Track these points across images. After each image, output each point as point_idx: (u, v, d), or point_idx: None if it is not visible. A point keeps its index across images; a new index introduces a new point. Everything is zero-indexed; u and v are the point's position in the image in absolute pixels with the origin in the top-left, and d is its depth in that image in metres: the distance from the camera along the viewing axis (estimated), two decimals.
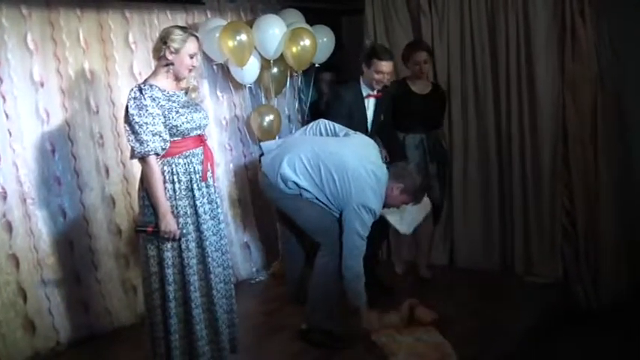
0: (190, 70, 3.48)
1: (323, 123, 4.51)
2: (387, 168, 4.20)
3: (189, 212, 3.46)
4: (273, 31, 5.24)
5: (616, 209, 4.58)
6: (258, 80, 5.58)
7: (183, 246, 3.44)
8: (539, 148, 4.98)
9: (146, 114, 3.28)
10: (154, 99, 3.32)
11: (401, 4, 5.62)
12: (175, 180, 3.41)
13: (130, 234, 4.72)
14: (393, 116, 5.00)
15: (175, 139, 3.40)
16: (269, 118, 5.53)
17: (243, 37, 5.06)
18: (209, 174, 3.57)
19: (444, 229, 5.58)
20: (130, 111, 3.30)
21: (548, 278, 5.00)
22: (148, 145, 3.28)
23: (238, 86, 5.61)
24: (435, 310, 4.34)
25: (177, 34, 3.40)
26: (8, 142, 4.14)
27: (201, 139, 3.57)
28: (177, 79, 3.50)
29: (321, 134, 4.47)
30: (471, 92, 5.31)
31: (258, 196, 5.74)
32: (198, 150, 3.53)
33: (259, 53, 5.34)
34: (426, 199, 4.59)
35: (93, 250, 4.59)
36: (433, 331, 4.15)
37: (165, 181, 3.39)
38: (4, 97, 4.12)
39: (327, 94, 6.20)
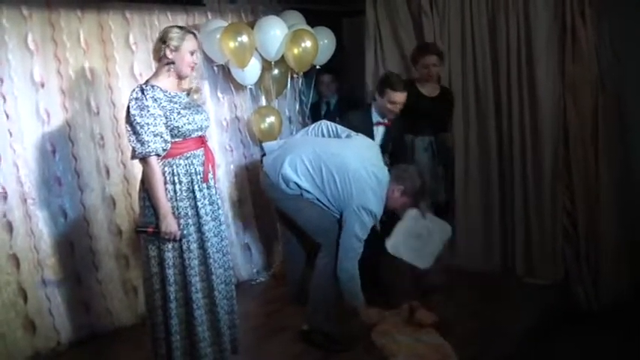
0: (192, 68, 3.49)
1: (325, 124, 4.52)
2: (389, 170, 4.20)
3: (190, 213, 3.47)
4: (274, 32, 5.24)
5: (617, 210, 4.58)
6: (259, 82, 5.57)
7: (185, 247, 3.44)
8: (540, 149, 4.97)
9: (147, 114, 3.28)
10: (155, 99, 3.33)
11: (402, 5, 5.60)
12: (176, 181, 3.42)
13: (131, 235, 4.73)
14: (402, 118, 4.93)
15: (176, 140, 3.41)
16: (270, 119, 5.53)
17: (244, 38, 5.06)
18: (210, 175, 3.57)
19: None
20: (132, 111, 3.30)
21: (548, 279, 4.98)
22: (149, 146, 3.28)
23: (239, 87, 5.61)
24: (436, 311, 4.32)
25: (176, 32, 3.42)
26: (9, 142, 4.16)
27: (202, 141, 3.58)
28: (180, 78, 3.50)
29: (323, 135, 4.48)
30: (471, 93, 5.31)
31: (258, 197, 5.75)
32: (199, 151, 3.53)
33: (260, 55, 5.34)
34: (446, 225, 4.63)
35: (93, 250, 4.60)
36: (433, 333, 4.13)
37: (165, 182, 3.40)
38: (4, 98, 4.14)
39: (326, 96, 6.21)
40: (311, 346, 4.19)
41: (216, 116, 5.48)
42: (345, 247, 4.01)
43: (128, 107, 3.34)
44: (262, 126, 5.51)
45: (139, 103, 3.30)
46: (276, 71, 5.60)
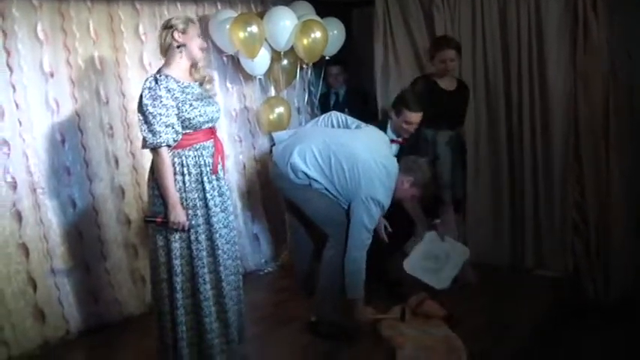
0: (202, 50, 3.49)
1: (335, 115, 4.52)
2: (398, 161, 4.19)
3: (198, 205, 3.47)
4: (284, 23, 5.23)
5: (627, 204, 4.55)
6: (269, 72, 5.57)
7: (193, 237, 3.44)
8: (550, 142, 4.95)
9: (160, 105, 3.28)
10: (169, 90, 3.32)
11: None
12: (185, 172, 3.42)
13: (139, 224, 4.74)
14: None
15: (187, 131, 3.40)
16: (279, 110, 5.52)
17: (254, 28, 5.05)
18: (219, 167, 3.57)
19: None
20: (144, 101, 3.30)
21: (558, 272, 4.98)
22: (160, 136, 3.28)
23: (248, 78, 5.61)
24: (445, 304, 4.34)
25: (178, 18, 3.45)
26: (18, 131, 4.17)
27: (211, 132, 3.57)
28: (192, 63, 3.50)
29: (332, 126, 4.48)
30: (481, 85, 5.28)
31: (267, 188, 5.76)
32: (209, 143, 3.53)
33: (270, 45, 5.33)
34: (464, 248, 4.63)
35: (102, 240, 4.62)
36: (441, 325, 4.14)
37: (175, 173, 3.39)
38: (14, 87, 4.15)
39: (334, 87, 6.19)
40: (319, 338, 4.19)
41: (226, 106, 5.48)
42: (353, 237, 4.01)
43: (141, 96, 3.33)
44: (271, 116, 5.51)
45: (152, 93, 3.29)
46: (285, 62, 5.59)
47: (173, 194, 3.36)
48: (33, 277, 4.22)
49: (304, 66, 5.64)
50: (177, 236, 3.42)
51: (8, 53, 4.11)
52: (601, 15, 4.45)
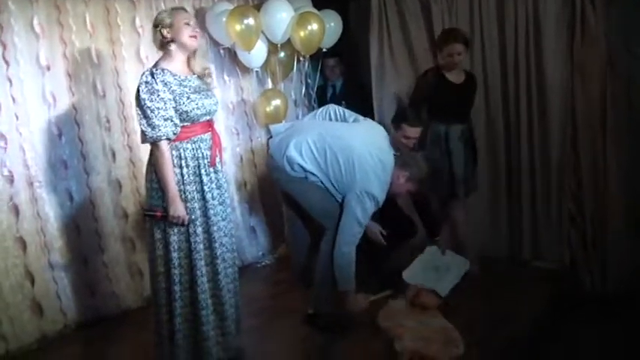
0: (194, 37, 3.47)
1: (333, 108, 4.52)
2: (395, 156, 4.18)
3: (196, 197, 3.48)
4: (281, 15, 5.22)
5: (624, 196, 4.56)
6: (265, 64, 5.56)
7: (191, 230, 3.45)
8: (548, 134, 4.94)
9: (157, 99, 3.29)
10: (165, 83, 3.33)
11: None
12: (183, 165, 3.42)
13: (137, 218, 4.75)
14: (433, 108, 4.80)
15: (185, 124, 3.41)
16: (275, 102, 5.53)
17: (251, 21, 5.05)
18: (217, 159, 3.58)
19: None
20: (142, 95, 3.30)
21: (555, 264, 4.99)
22: (159, 130, 3.29)
23: (245, 70, 5.60)
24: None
25: (163, 13, 3.48)
26: (15, 125, 4.16)
27: (209, 125, 3.58)
28: (188, 55, 3.51)
29: (330, 119, 4.47)
30: (479, 77, 5.22)
31: (264, 180, 5.77)
32: (207, 135, 3.53)
33: (266, 37, 5.33)
34: (464, 260, 4.69)
35: (99, 233, 4.62)
36: (438, 316, 4.16)
37: (173, 166, 3.40)
38: (10, 81, 4.14)
39: (331, 79, 6.18)
40: (316, 330, 4.20)
41: (223, 99, 5.47)
42: (344, 231, 3.99)
43: (138, 91, 3.34)
44: (268, 109, 5.51)
45: (149, 87, 3.30)
46: (282, 54, 5.58)
47: (173, 188, 3.36)
48: (30, 271, 4.23)
49: (301, 58, 5.64)
50: (175, 229, 3.43)
51: (4, 47, 4.10)
52: (598, 7, 4.43)
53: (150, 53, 4.76)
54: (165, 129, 3.30)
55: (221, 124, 5.39)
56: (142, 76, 3.36)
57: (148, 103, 3.28)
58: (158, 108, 3.28)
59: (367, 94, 5.87)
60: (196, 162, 3.46)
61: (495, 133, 5.26)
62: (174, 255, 3.44)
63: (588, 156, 4.62)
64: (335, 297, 4.16)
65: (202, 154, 3.48)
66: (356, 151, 4.01)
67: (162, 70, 3.37)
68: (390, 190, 4.11)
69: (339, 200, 4.09)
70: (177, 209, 3.36)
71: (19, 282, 4.16)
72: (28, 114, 4.22)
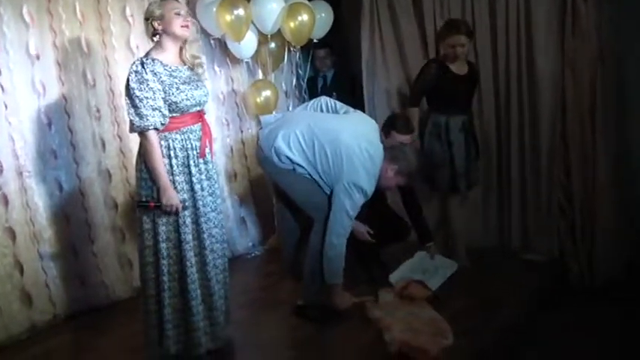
0: (186, 27, 3.45)
1: (325, 100, 4.49)
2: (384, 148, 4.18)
3: (185, 188, 3.47)
4: (271, 5, 5.21)
5: (613, 187, 4.59)
6: (256, 55, 5.55)
7: (180, 221, 3.45)
8: (538, 124, 4.95)
9: (147, 88, 3.28)
10: (155, 73, 3.32)
11: None
12: (172, 155, 3.42)
13: (127, 208, 4.74)
14: (434, 99, 4.85)
15: (174, 115, 3.40)
16: (265, 93, 5.52)
17: (241, 11, 5.04)
18: (207, 150, 3.57)
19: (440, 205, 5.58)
20: (131, 84, 3.30)
21: (544, 255, 5.00)
22: (147, 120, 3.28)
23: (236, 61, 5.59)
24: (435, 285, 4.38)
25: (153, 4, 3.44)
26: (4, 115, 4.14)
27: (199, 116, 3.57)
28: (181, 45, 3.50)
29: (322, 111, 4.45)
30: None
31: (254, 171, 5.76)
32: (196, 126, 3.52)
33: (257, 28, 5.31)
34: (452, 262, 4.70)
35: (89, 223, 4.61)
36: (427, 307, 4.17)
37: (162, 156, 3.39)
38: None
39: (322, 70, 6.18)
40: (306, 321, 4.19)
41: (213, 90, 5.45)
42: (333, 222, 3.96)
43: (128, 80, 3.33)
44: (258, 100, 5.51)
45: (139, 77, 3.29)
46: (272, 45, 5.57)
47: (164, 177, 3.36)
48: (20, 261, 4.21)
49: (292, 49, 5.63)
50: (164, 219, 3.42)
51: None
52: (590, 1, 4.45)
53: (140, 42, 4.75)
54: (153, 119, 3.30)
55: (211, 114, 5.37)
56: (132, 65, 3.35)
57: (137, 93, 3.28)
58: (147, 98, 3.28)
59: (358, 85, 5.87)
60: (185, 153, 3.46)
61: (486, 125, 5.27)
62: (163, 245, 3.44)
63: (578, 148, 4.65)
64: (324, 289, 4.17)
65: (191, 144, 3.48)
66: (344, 142, 3.98)
67: (153, 59, 3.36)
68: (378, 184, 4.10)
69: (328, 192, 4.07)
70: (170, 198, 3.35)
71: (8, 272, 4.14)
72: (17, 103, 4.20)
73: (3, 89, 4.12)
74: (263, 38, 5.42)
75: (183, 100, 3.39)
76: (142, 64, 3.32)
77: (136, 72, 3.30)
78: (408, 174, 4.14)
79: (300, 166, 4.05)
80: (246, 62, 5.60)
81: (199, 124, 3.55)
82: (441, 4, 5.32)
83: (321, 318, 4.16)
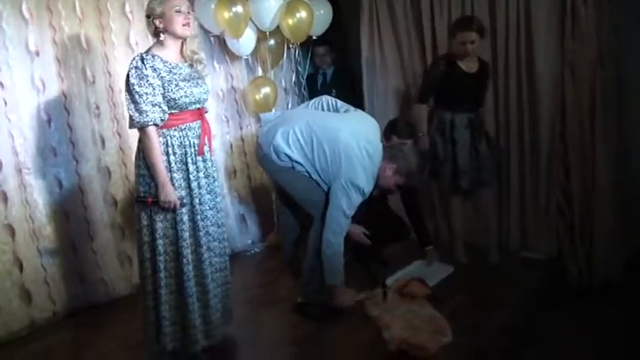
0: (186, 25, 3.44)
1: (326, 99, 4.50)
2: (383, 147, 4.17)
3: (183, 185, 3.47)
4: (269, 2, 5.20)
5: (611, 187, 4.59)
6: (255, 52, 5.55)
7: (178, 218, 3.45)
8: (537, 126, 4.94)
9: (146, 84, 3.28)
10: (155, 69, 3.32)
11: None
12: (170, 152, 3.42)
13: (126, 205, 4.74)
14: (441, 95, 4.83)
15: (173, 111, 3.40)
16: (265, 90, 5.51)
17: (239, 8, 5.04)
18: (206, 148, 3.57)
19: (439, 204, 5.59)
20: (131, 80, 3.30)
21: (542, 254, 5.00)
22: (147, 116, 3.28)
23: (235, 58, 5.59)
24: (429, 284, 4.38)
25: (154, 1, 3.42)
26: (4, 111, 4.13)
27: (200, 113, 3.56)
28: (181, 43, 3.50)
29: (323, 109, 4.45)
30: None
31: (254, 168, 5.77)
32: (195, 124, 3.52)
33: (255, 25, 5.31)
34: (448, 266, 4.72)
35: (89, 220, 4.60)
36: (427, 305, 4.17)
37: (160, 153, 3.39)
38: None
39: (321, 67, 6.17)
40: (305, 318, 4.20)
41: (213, 87, 5.45)
42: (330, 221, 3.95)
43: (127, 76, 3.33)
44: (257, 97, 5.50)
45: (139, 72, 3.29)
46: (271, 42, 5.57)
47: (162, 173, 3.36)
48: (19, 258, 4.21)
49: (291, 46, 5.62)
50: (161, 216, 3.43)
51: None
52: (590, 3, 4.44)
53: (140, 39, 4.75)
54: (153, 115, 3.30)
55: (211, 111, 5.35)
56: (132, 61, 3.35)
57: (137, 89, 3.28)
58: (146, 93, 3.28)
59: (358, 83, 5.86)
60: (183, 150, 3.46)
61: (486, 125, 5.25)
62: (160, 242, 3.44)
63: (577, 149, 4.64)
64: (324, 286, 4.17)
65: (189, 142, 3.47)
66: (342, 141, 3.98)
67: (153, 55, 3.36)
68: (377, 183, 4.10)
69: (326, 190, 4.07)
70: (168, 194, 3.35)
71: (7, 269, 4.15)
72: (17, 100, 4.19)
73: (2, 86, 4.12)
74: (262, 35, 5.41)
75: (181, 97, 3.38)
76: (142, 59, 3.32)
77: (136, 68, 3.30)
78: (407, 174, 4.14)
79: (298, 163, 4.05)
80: (246, 59, 5.60)
81: (199, 121, 3.54)
82: (440, 3, 5.31)
83: (321, 315, 4.16)
